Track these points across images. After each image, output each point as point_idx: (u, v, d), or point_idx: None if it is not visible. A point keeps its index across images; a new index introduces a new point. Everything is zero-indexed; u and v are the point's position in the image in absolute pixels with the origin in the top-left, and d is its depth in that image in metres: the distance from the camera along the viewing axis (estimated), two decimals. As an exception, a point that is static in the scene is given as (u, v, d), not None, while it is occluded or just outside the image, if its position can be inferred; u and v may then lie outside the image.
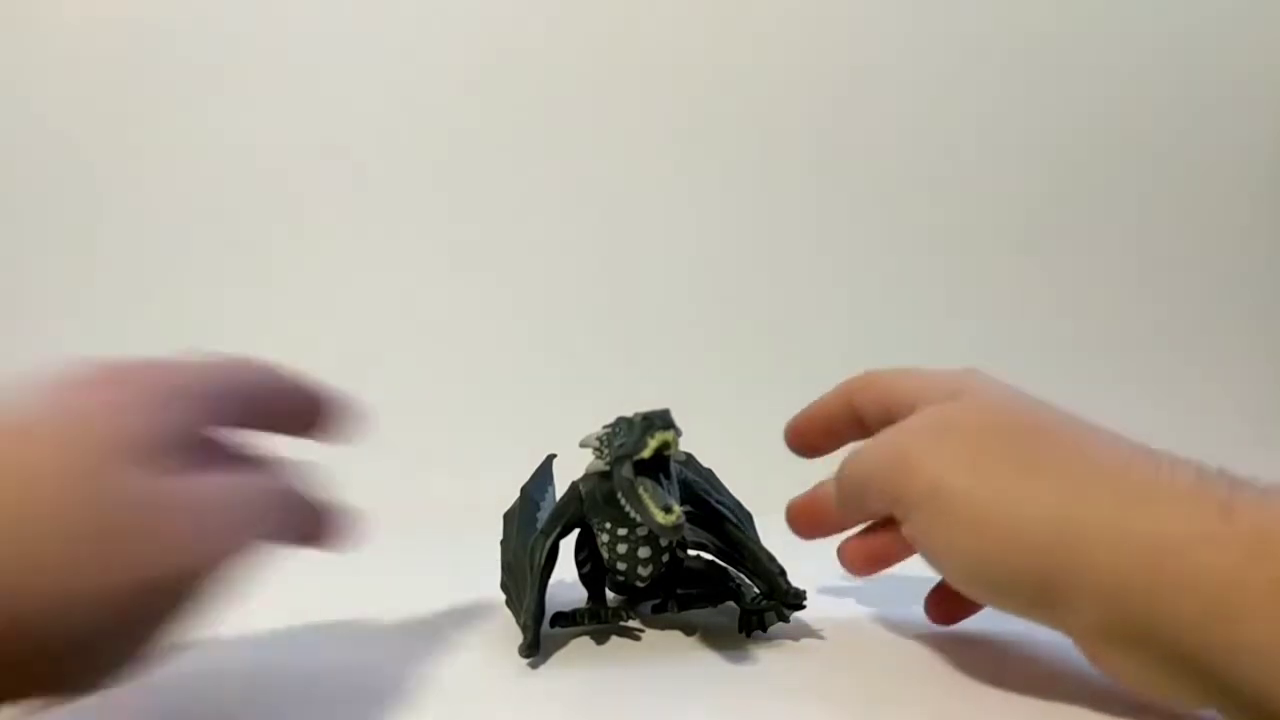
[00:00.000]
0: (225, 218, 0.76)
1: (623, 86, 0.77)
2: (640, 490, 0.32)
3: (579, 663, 0.35)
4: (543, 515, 0.40)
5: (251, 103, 0.76)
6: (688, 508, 0.39)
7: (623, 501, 0.33)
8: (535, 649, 0.35)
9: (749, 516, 0.40)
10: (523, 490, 0.41)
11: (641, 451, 0.32)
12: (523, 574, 0.37)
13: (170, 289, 0.76)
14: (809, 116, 0.77)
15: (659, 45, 0.77)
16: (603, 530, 0.36)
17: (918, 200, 0.78)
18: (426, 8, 0.77)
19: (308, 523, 0.29)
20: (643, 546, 0.36)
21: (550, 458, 0.44)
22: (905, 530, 0.30)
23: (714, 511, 0.39)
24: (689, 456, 0.41)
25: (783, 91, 0.77)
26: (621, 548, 0.36)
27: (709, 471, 0.41)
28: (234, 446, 0.28)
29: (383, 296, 0.77)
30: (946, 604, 0.36)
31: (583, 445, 0.36)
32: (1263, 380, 0.77)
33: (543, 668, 0.34)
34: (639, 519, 0.33)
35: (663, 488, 0.32)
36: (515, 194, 0.77)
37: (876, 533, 0.36)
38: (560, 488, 0.40)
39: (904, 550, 0.34)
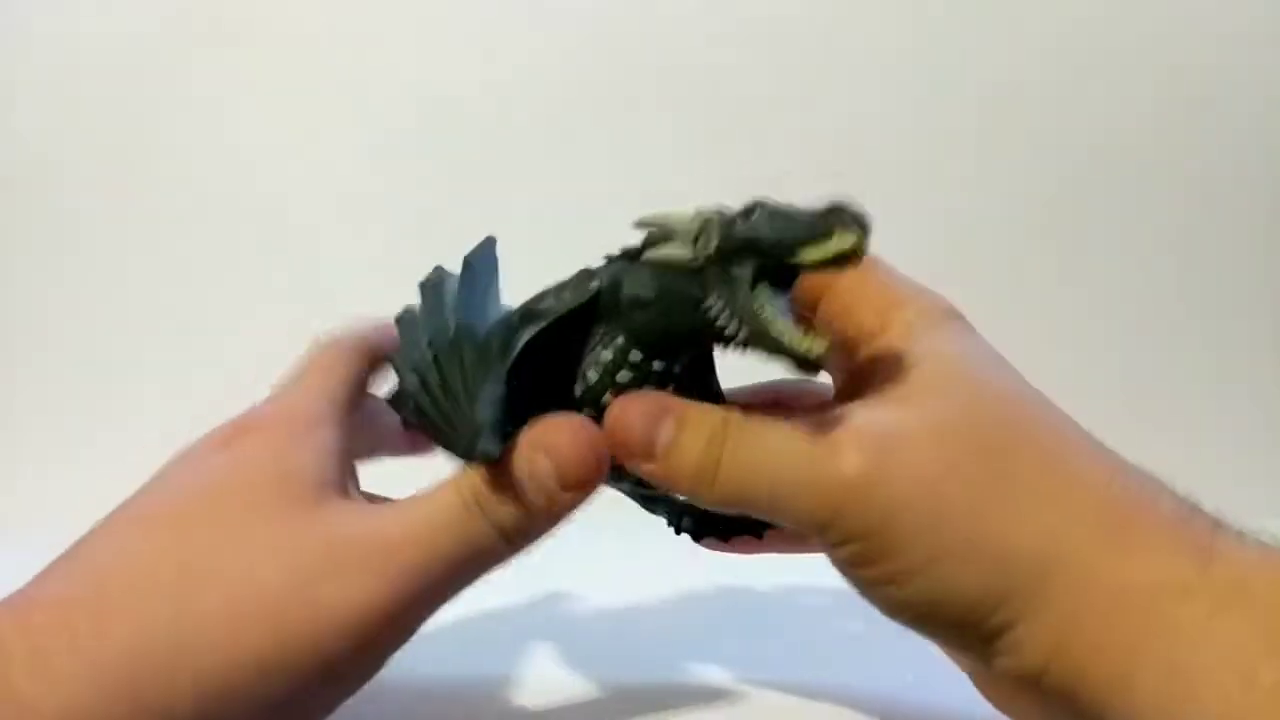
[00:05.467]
0: (224, 219, 0.75)
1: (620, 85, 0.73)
2: (763, 303, 0.21)
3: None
4: (491, 298, 0.28)
5: (249, 102, 0.73)
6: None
7: (716, 313, 0.22)
8: (491, 447, 0.23)
9: None
10: (465, 260, 0.27)
11: (809, 249, 0.21)
12: (469, 364, 0.25)
13: (172, 289, 0.73)
14: (809, 115, 0.73)
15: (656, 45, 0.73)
16: (610, 346, 0.25)
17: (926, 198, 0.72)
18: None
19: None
20: (652, 386, 0.25)
21: (491, 239, 0.29)
22: (831, 555, 0.24)
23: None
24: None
25: (780, 88, 0.73)
26: (624, 375, 0.24)
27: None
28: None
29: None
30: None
31: (641, 225, 0.24)
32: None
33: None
34: (753, 343, 0.22)
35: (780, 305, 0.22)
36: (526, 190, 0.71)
37: None
38: (515, 283, 0.28)
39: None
